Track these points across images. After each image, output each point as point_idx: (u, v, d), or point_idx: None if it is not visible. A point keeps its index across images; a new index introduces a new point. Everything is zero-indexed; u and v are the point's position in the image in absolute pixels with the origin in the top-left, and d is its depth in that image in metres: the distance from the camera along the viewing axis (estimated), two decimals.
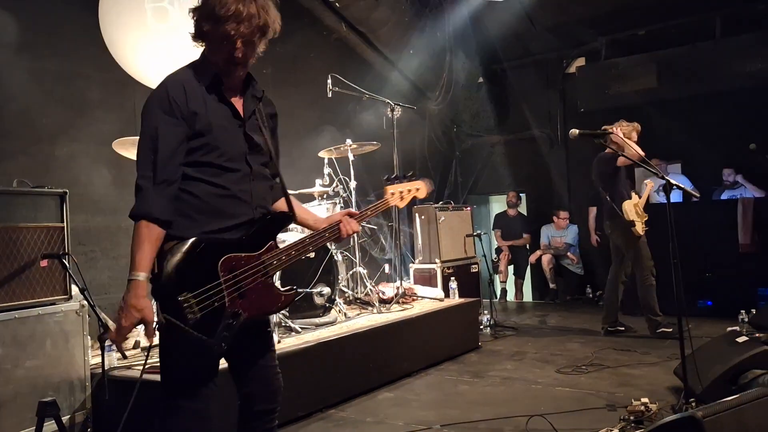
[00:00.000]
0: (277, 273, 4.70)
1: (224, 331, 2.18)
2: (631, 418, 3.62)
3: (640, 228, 6.14)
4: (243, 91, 2.40)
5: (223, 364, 2.33)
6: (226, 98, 2.32)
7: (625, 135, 6.00)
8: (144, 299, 2.11)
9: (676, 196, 7.97)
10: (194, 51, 2.40)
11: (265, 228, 2.36)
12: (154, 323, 2.18)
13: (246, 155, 2.34)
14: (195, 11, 2.29)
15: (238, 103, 2.36)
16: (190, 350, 2.17)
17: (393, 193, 2.72)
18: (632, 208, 6.19)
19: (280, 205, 2.55)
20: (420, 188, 2.77)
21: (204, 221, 2.24)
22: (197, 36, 2.32)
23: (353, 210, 2.61)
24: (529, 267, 10.11)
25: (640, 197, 6.41)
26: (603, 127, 6.15)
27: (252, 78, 2.42)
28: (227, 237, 2.27)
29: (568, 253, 9.62)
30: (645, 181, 6.79)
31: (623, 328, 6.47)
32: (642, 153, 5.80)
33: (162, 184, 2.16)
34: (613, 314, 6.51)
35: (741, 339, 4.00)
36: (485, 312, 6.92)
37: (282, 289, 2.41)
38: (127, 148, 4.69)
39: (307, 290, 5.01)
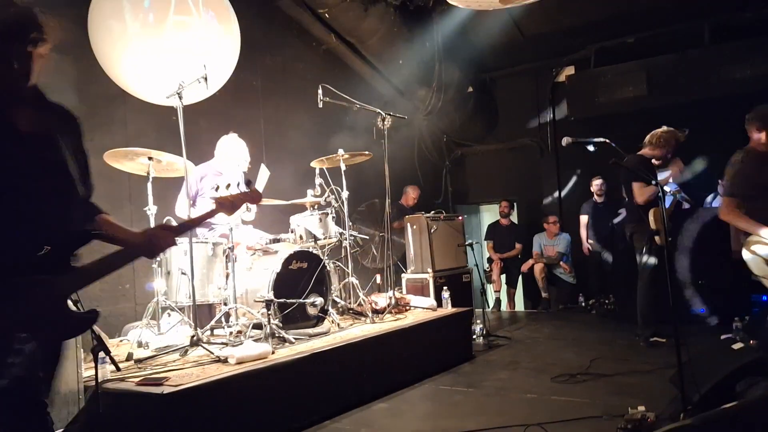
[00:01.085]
0: (268, 284, 4.72)
1: (13, 361, 2.09)
2: (629, 426, 3.61)
3: (662, 237, 5.89)
4: (29, 107, 2.21)
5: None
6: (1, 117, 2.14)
7: (665, 140, 6.06)
8: None
9: (668, 203, 8.00)
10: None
11: (60, 249, 2.20)
12: None
13: (32, 176, 2.14)
14: None
15: (21, 120, 2.17)
16: None
17: (222, 204, 2.64)
18: (658, 217, 5.85)
19: (92, 223, 2.38)
20: (253, 197, 2.74)
21: None
22: None
23: (170, 224, 2.53)
24: (521, 276, 10.10)
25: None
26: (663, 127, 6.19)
27: (41, 94, 2.27)
28: (18, 262, 2.08)
29: (561, 263, 9.61)
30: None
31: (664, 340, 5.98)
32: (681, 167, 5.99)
33: None
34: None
35: (736, 346, 4.01)
36: (478, 321, 6.89)
37: (81, 312, 2.27)
38: (119, 160, 4.72)
39: (300, 300, 5.00)
